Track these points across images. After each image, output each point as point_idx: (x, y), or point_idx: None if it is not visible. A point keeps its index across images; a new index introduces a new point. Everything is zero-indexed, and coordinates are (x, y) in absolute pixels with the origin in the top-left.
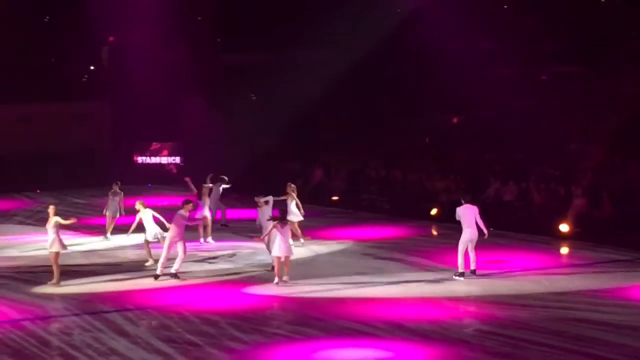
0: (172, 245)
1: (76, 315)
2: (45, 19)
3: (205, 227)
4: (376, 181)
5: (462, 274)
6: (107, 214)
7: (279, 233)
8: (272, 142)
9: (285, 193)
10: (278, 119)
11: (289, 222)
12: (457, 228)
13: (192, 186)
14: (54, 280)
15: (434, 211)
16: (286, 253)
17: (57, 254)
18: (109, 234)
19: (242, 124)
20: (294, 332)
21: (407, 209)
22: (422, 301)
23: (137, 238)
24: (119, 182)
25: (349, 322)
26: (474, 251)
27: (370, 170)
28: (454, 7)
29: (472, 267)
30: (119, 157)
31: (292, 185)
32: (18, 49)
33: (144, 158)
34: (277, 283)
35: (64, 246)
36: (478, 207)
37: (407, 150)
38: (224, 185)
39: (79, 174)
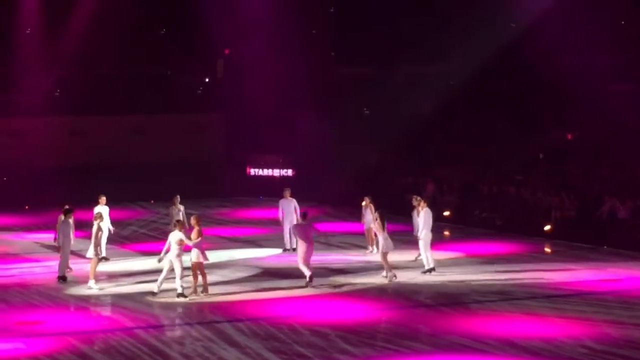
0: None
1: (188, 324)
2: (162, 32)
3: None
4: (488, 197)
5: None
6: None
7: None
8: (384, 156)
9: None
10: (390, 133)
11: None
12: (571, 246)
13: None
14: (202, 289)
15: (547, 227)
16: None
17: (199, 264)
18: None
19: (355, 137)
20: (403, 347)
21: (519, 225)
22: (533, 318)
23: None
24: (178, 196)
25: (458, 338)
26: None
27: (483, 185)
28: (569, 22)
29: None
30: (232, 169)
31: (418, 198)
32: (134, 61)
33: (256, 170)
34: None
35: (205, 257)
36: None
37: (521, 166)
38: None
39: (193, 185)
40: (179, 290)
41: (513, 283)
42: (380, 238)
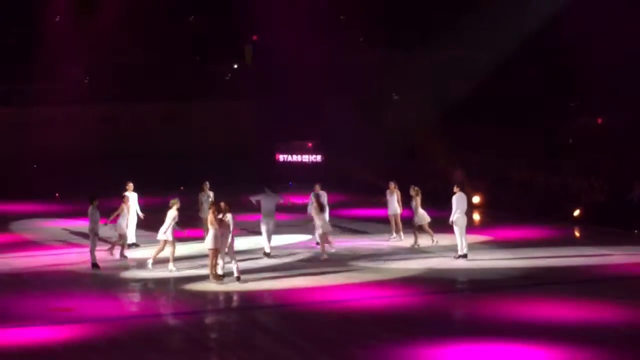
0: None
1: (219, 311)
2: (190, 19)
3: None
4: (518, 182)
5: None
6: (202, 216)
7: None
8: (414, 141)
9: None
10: (420, 119)
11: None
12: (601, 231)
13: None
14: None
15: (576, 212)
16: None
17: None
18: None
19: (384, 123)
20: (436, 332)
21: (549, 211)
22: (565, 303)
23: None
24: (207, 183)
25: (491, 323)
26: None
27: (513, 170)
28: (600, 7)
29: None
30: (262, 155)
31: (416, 188)
32: (162, 49)
33: (285, 156)
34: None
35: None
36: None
37: (551, 151)
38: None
39: (223, 172)
40: (236, 274)
41: (544, 267)
42: (317, 221)
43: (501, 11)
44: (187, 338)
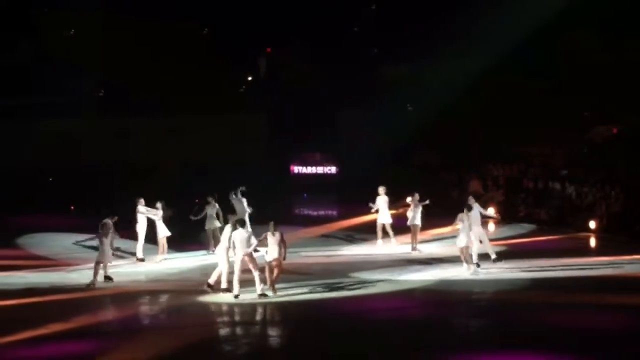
0: None
1: (236, 323)
2: (204, 31)
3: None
4: (533, 192)
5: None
6: (207, 227)
7: None
8: (428, 152)
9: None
10: (434, 129)
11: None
12: (617, 240)
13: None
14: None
15: (592, 224)
16: None
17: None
18: (212, 249)
19: (398, 134)
20: (459, 344)
21: (564, 220)
22: (583, 311)
23: None
24: (216, 194)
25: (518, 332)
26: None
27: (527, 181)
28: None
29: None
30: (276, 168)
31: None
32: (175, 61)
33: (300, 168)
34: None
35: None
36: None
37: (565, 161)
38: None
39: (235, 185)
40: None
41: (558, 277)
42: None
43: (511, 20)
44: (202, 350)
